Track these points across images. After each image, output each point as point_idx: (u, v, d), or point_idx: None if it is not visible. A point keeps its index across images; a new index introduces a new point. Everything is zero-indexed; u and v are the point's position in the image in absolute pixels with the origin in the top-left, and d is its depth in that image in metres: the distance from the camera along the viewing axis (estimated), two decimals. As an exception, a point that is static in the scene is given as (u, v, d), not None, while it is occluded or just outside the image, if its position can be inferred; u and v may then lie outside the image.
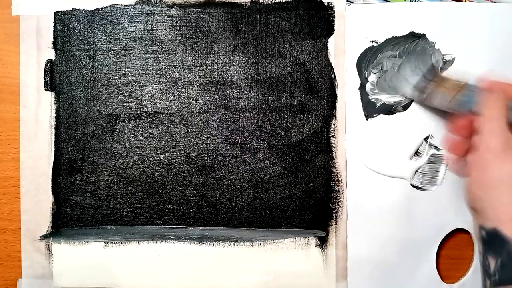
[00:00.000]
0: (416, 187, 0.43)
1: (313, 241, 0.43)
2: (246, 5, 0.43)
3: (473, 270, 0.43)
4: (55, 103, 0.44)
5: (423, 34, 0.43)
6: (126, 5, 0.44)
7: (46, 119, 0.44)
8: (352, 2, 0.43)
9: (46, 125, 0.44)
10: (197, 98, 0.43)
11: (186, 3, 0.44)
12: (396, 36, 0.43)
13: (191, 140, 0.43)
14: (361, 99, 0.43)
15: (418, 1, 0.43)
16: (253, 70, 0.43)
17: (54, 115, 0.44)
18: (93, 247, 0.43)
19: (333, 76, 0.43)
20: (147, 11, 0.44)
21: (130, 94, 0.44)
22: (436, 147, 0.43)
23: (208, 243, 0.43)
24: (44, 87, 0.44)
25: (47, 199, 0.43)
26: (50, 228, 0.44)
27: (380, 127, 0.43)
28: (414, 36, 0.43)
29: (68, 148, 0.44)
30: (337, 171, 0.43)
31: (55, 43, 0.44)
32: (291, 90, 0.43)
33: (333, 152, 0.43)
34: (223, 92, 0.43)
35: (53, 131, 0.44)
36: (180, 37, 0.44)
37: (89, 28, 0.44)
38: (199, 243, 0.43)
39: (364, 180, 0.43)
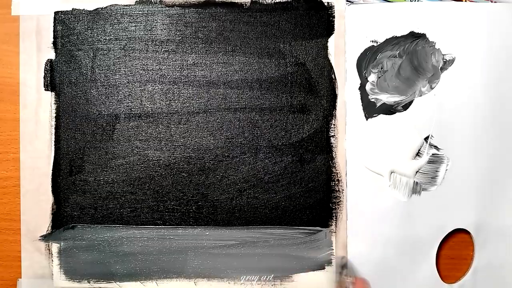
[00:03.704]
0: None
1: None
2: (246, 5, 0.43)
3: (473, 270, 0.43)
4: (55, 103, 0.44)
5: (423, 34, 0.43)
6: (126, 5, 0.44)
7: (46, 119, 0.44)
8: (352, 2, 0.43)
9: (46, 125, 0.44)
10: (197, 98, 0.43)
11: (186, 3, 0.44)
12: (396, 36, 0.43)
13: (191, 140, 0.43)
14: (361, 99, 0.43)
15: (418, 1, 0.43)
16: (253, 70, 0.43)
17: (54, 115, 0.44)
18: (93, 247, 0.43)
19: (333, 76, 0.43)
20: (147, 11, 0.44)
21: (130, 94, 0.44)
22: (436, 147, 0.43)
23: (208, 242, 0.43)
24: (44, 87, 0.44)
25: (47, 199, 0.44)
26: (50, 228, 0.44)
27: (380, 127, 0.43)
28: (414, 36, 0.43)
29: (68, 148, 0.44)
30: (337, 171, 0.43)
31: (55, 43, 0.44)
32: (291, 90, 0.43)
33: (333, 152, 0.43)
34: (223, 92, 0.43)
35: (53, 131, 0.44)
36: (180, 37, 0.44)
37: (89, 28, 0.44)
38: (199, 242, 0.43)
39: (364, 180, 0.43)
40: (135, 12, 0.44)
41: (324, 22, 0.43)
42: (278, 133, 0.43)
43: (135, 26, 0.44)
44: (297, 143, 0.43)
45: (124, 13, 0.44)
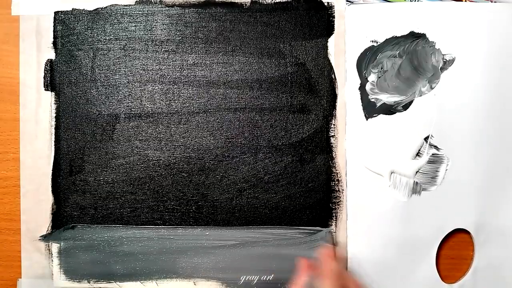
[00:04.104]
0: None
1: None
2: (246, 5, 0.43)
3: (473, 270, 0.43)
4: (55, 103, 0.44)
5: (423, 34, 0.43)
6: (126, 5, 0.44)
7: (46, 119, 0.44)
8: (352, 2, 0.43)
9: (46, 125, 0.44)
10: (197, 98, 0.43)
11: (186, 3, 0.44)
12: (396, 36, 0.43)
13: (191, 140, 0.43)
14: (361, 99, 0.43)
15: (418, 1, 0.43)
16: (253, 70, 0.43)
17: (54, 115, 0.44)
18: (93, 247, 0.43)
19: (333, 76, 0.43)
20: (147, 11, 0.44)
21: (130, 94, 0.44)
22: (436, 147, 0.43)
23: (208, 243, 0.43)
24: (44, 87, 0.44)
25: (47, 199, 0.44)
26: (50, 228, 0.44)
27: (380, 127, 0.43)
28: (414, 36, 0.43)
29: (68, 148, 0.44)
30: (337, 171, 0.43)
31: (55, 43, 0.44)
32: (291, 90, 0.43)
33: (333, 152, 0.43)
34: (223, 92, 0.43)
35: (53, 131, 0.44)
36: (180, 37, 0.44)
37: (89, 28, 0.44)
38: (199, 242, 0.43)
39: (364, 180, 0.43)
40: (135, 12, 0.44)
41: (324, 22, 0.43)
42: (278, 133, 0.43)
43: (135, 26, 0.44)
44: (297, 143, 0.43)
45: (124, 13, 0.44)
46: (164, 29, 0.44)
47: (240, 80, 0.43)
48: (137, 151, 0.43)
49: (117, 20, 0.44)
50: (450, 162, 0.43)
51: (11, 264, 0.44)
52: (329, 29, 0.43)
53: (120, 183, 0.43)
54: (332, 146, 0.43)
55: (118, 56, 0.44)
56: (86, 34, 0.44)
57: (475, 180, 0.42)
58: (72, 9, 0.44)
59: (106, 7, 0.44)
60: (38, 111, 0.44)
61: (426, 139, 0.43)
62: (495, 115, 0.42)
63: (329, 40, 0.43)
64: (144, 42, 0.44)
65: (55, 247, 0.43)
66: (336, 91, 0.43)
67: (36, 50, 0.44)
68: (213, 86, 0.43)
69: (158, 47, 0.44)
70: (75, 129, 0.44)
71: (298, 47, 0.43)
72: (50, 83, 0.44)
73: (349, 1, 0.43)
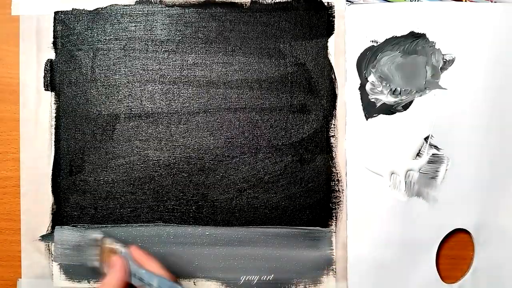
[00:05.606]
0: (416, 187, 0.43)
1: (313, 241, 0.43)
2: (246, 5, 0.43)
3: (473, 270, 0.43)
4: (55, 103, 0.44)
5: (423, 34, 0.43)
6: (126, 5, 0.44)
7: (46, 119, 0.44)
8: (352, 2, 0.43)
9: (46, 125, 0.44)
10: (197, 98, 0.43)
11: (186, 3, 0.44)
12: (396, 36, 0.43)
13: (191, 140, 0.43)
14: (361, 99, 0.43)
15: (418, 1, 0.43)
16: (253, 70, 0.43)
17: (54, 115, 0.44)
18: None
19: (333, 76, 0.43)
20: (147, 11, 0.44)
21: (130, 94, 0.44)
22: (436, 147, 0.43)
23: (208, 243, 0.43)
24: (44, 87, 0.44)
25: (47, 199, 0.44)
26: (50, 228, 0.44)
27: (380, 127, 0.43)
28: (414, 36, 0.43)
29: (68, 148, 0.44)
30: (337, 171, 0.43)
31: (55, 43, 0.44)
32: (291, 90, 0.43)
33: (333, 152, 0.43)
34: (223, 92, 0.43)
35: (53, 131, 0.44)
36: (180, 37, 0.44)
37: (89, 28, 0.44)
38: (199, 242, 0.43)
39: (364, 180, 0.43)
40: (135, 12, 0.44)
41: (324, 22, 0.43)
42: (278, 133, 0.43)
43: (135, 26, 0.44)
44: (297, 143, 0.43)
45: (124, 13, 0.44)
46: (164, 29, 0.44)
47: (240, 80, 0.43)
48: (137, 151, 0.43)
49: (117, 20, 0.44)
50: (450, 162, 0.43)
51: (11, 264, 0.44)
52: (329, 29, 0.43)
53: (120, 183, 0.43)
54: (332, 146, 0.43)
55: (118, 56, 0.44)
56: (86, 34, 0.44)
57: (475, 180, 0.42)
58: (72, 9, 0.44)
59: (106, 7, 0.44)
60: (38, 111, 0.44)
61: (426, 139, 0.43)
62: (495, 115, 0.42)
63: (329, 40, 0.43)
64: (144, 42, 0.44)
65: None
66: (336, 91, 0.43)
67: (36, 50, 0.44)
68: (213, 86, 0.43)
69: (158, 47, 0.44)
70: (75, 129, 0.44)
71: (298, 47, 0.43)
72: (50, 83, 0.44)
73: (349, 1, 0.43)
